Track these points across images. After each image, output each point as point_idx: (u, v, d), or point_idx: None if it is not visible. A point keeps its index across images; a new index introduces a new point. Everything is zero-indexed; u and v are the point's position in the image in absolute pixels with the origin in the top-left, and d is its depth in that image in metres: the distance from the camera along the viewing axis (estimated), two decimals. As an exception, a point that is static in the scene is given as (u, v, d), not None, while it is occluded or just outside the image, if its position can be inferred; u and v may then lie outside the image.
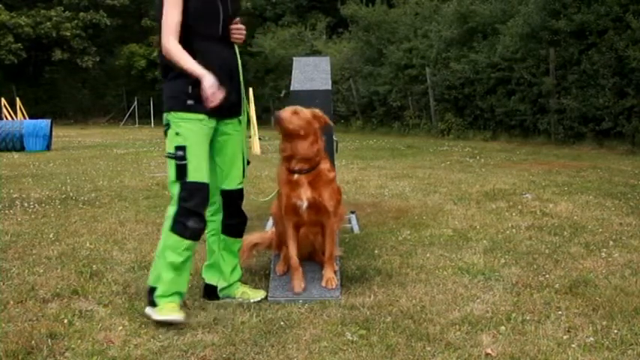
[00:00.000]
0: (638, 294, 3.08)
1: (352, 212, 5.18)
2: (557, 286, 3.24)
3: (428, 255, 3.91)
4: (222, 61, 3.07)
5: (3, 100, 20.05)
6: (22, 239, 4.54)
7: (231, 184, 3.16)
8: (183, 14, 2.96)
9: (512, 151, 11.34)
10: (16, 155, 12.40)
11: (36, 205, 6.01)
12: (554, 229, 4.57)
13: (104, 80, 35.79)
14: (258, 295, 3.20)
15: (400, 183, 7.20)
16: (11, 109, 20.09)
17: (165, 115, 3.02)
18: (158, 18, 2.99)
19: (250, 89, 14.15)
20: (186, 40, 2.95)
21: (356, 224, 4.83)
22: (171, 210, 2.93)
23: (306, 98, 4.59)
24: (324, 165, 3.21)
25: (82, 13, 32.76)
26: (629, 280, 3.33)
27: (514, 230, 4.59)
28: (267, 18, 28.93)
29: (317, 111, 3.24)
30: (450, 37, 16.09)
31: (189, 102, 2.95)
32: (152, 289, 2.92)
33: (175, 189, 2.93)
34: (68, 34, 32.09)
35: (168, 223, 2.93)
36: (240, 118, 3.19)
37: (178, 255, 2.89)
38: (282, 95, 21.54)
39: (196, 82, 2.90)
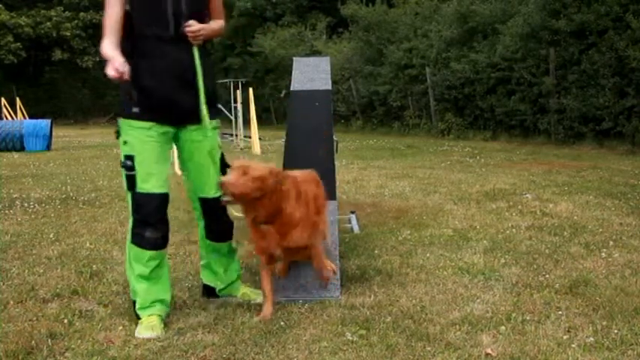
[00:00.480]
0: (638, 294, 3.08)
1: (352, 212, 5.18)
2: (557, 286, 3.24)
3: (428, 255, 3.91)
4: (171, 64, 2.80)
5: (3, 100, 20.05)
6: (22, 239, 4.54)
7: (206, 193, 3.01)
8: (128, 14, 2.79)
9: (512, 151, 11.34)
10: (16, 155, 12.40)
11: (36, 205, 6.01)
12: (554, 229, 4.57)
13: (104, 80, 35.66)
14: (258, 296, 3.15)
15: (400, 183, 7.20)
16: (11, 109, 20.09)
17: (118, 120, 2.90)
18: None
19: (250, 89, 14.20)
20: (132, 41, 2.77)
21: (356, 224, 4.84)
22: (130, 221, 2.87)
23: (306, 98, 4.60)
24: (289, 206, 2.84)
25: (82, 13, 32.78)
26: (629, 280, 3.33)
27: (514, 230, 4.59)
28: (267, 18, 28.91)
29: (272, 167, 2.84)
30: (450, 37, 16.09)
31: (135, 109, 2.80)
32: (134, 303, 2.90)
33: (129, 199, 2.86)
34: (68, 34, 32.12)
35: (128, 235, 2.89)
36: (209, 123, 2.92)
37: (144, 266, 2.85)
38: (282, 95, 21.53)
39: (141, 88, 2.77)
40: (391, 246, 4.17)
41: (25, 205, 6.01)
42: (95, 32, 33.97)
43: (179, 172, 8.81)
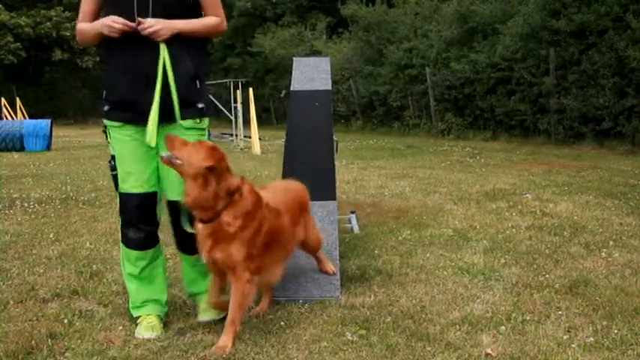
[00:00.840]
0: (638, 294, 3.08)
1: (352, 212, 5.19)
2: (557, 286, 3.24)
3: (428, 255, 3.91)
4: (134, 61, 2.67)
5: (3, 100, 20.05)
6: (22, 239, 4.54)
7: (175, 195, 2.73)
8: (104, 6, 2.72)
9: (512, 151, 11.34)
10: (16, 155, 12.40)
11: (36, 205, 6.01)
12: (554, 229, 4.57)
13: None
14: (206, 316, 2.85)
15: (400, 183, 7.20)
16: (11, 109, 20.09)
17: None
18: None
19: (250, 89, 14.21)
20: (104, 38, 2.69)
21: (356, 224, 4.84)
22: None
23: (306, 98, 4.61)
24: (226, 217, 2.52)
25: (82, 14, 32.79)
26: (629, 280, 3.33)
27: (514, 230, 4.59)
28: (267, 18, 28.92)
29: (209, 145, 2.54)
30: (450, 37, 16.09)
31: (106, 108, 2.77)
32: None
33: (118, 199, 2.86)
34: (68, 34, 32.09)
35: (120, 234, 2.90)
36: (187, 122, 2.75)
37: (133, 265, 2.85)
38: (282, 95, 21.53)
39: (109, 86, 2.76)
40: (391, 246, 4.17)
41: (25, 205, 6.01)
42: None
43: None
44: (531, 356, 2.42)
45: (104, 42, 2.71)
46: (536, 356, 2.41)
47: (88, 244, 4.32)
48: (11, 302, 3.10)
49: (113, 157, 2.80)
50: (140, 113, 2.66)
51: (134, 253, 2.82)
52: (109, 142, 2.80)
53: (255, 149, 12.29)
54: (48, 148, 13.81)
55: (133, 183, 2.77)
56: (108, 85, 2.76)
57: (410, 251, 4.02)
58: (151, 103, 2.64)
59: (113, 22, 2.59)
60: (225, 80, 17.40)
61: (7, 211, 5.70)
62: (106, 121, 2.79)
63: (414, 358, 2.42)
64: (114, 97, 2.75)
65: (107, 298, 3.18)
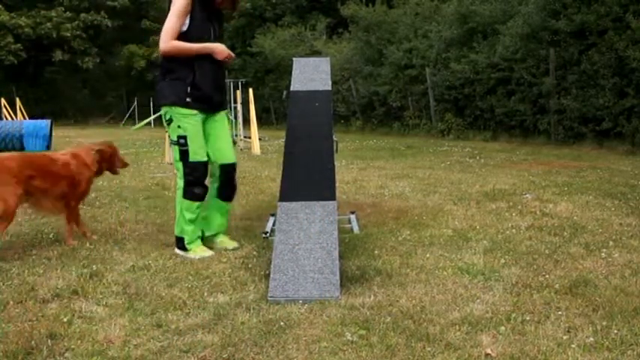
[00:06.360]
0: (638, 294, 3.08)
1: (352, 212, 5.18)
2: (557, 286, 3.24)
3: (428, 255, 3.91)
4: (214, 74, 3.98)
5: (3, 100, 20.05)
6: (22, 239, 4.54)
7: (227, 160, 4.13)
8: (186, 34, 3.83)
9: (512, 152, 11.35)
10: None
11: (36, 205, 6.00)
12: (554, 230, 4.57)
13: (104, 81, 35.81)
14: (232, 244, 4.15)
15: (400, 183, 7.20)
16: (11, 109, 20.09)
17: (164, 108, 3.93)
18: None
19: (250, 89, 14.21)
20: (200, 55, 3.86)
21: (356, 224, 4.83)
22: (180, 182, 3.97)
23: (306, 98, 4.61)
24: None
25: (82, 14, 32.78)
26: (629, 280, 3.33)
27: (514, 230, 4.59)
28: (267, 18, 28.93)
29: None
30: (450, 38, 16.10)
31: (188, 100, 3.87)
32: (179, 239, 4.01)
33: (180, 167, 3.94)
34: (69, 34, 32.10)
35: (179, 192, 3.98)
36: (225, 112, 4.29)
37: (192, 213, 3.98)
38: (283, 97, 21.55)
39: (193, 84, 3.86)
40: (391, 246, 4.17)
41: (25, 205, 5.99)
42: (96, 33, 34.03)
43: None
44: (531, 356, 2.42)
45: (198, 57, 3.88)
46: (536, 356, 2.41)
47: (88, 244, 4.32)
48: (11, 302, 3.10)
49: (183, 137, 3.88)
50: (210, 105, 4.01)
51: (196, 204, 3.98)
52: (179, 126, 3.87)
53: (255, 149, 12.30)
54: (48, 148, 13.79)
55: (202, 154, 3.95)
56: (194, 85, 3.86)
57: (410, 251, 4.02)
58: (218, 101, 4.06)
59: (228, 52, 3.98)
60: (225, 80, 17.43)
61: (7, 212, 5.69)
62: (181, 110, 3.87)
63: (414, 359, 2.42)
64: (198, 93, 3.88)
65: (107, 298, 3.18)
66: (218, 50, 3.92)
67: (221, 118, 4.16)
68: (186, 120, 3.88)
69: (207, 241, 4.18)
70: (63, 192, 4.35)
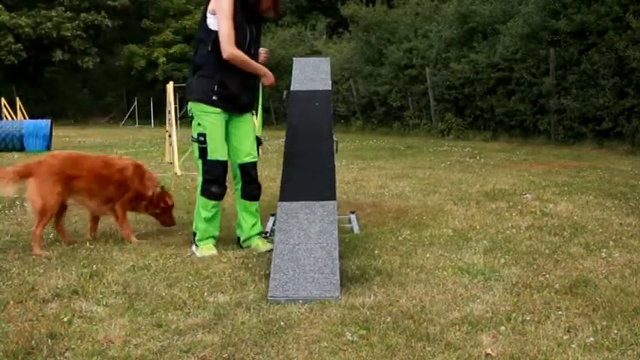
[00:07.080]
0: (638, 294, 3.08)
1: (352, 212, 5.18)
2: (557, 286, 3.24)
3: (428, 255, 3.91)
4: (243, 74, 3.99)
5: (3, 100, 20.03)
6: (22, 239, 4.54)
7: (244, 159, 4.13)
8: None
9: (512, 151, 11.34)
10: (16, 155, 12.38)
11: (36, 205, 6.00)
12: (554, 229, 4.57)
13: (104, 80, 35.81)
14: (266, 247, 4.05)
15: (400, 183, 7.20)
16: (11, 109, 20.07)
17: (190, 103, 4.02)
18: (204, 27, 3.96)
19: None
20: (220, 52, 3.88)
21: (356, 224, 4.83)
22: (199, 179, 4.06)
23: (306, 98, 4.61)
24: None
25: (83, 14, 32.75)
26: (629, 280, 3.33)
27: (514, 230, 4.59)
28: (267, 18, 28.92)
29: None
30: (450, 37, 16.10)
31: (214, 98, 3.95)
32: (194, 234, 4.08)
33: (200, 164, 4.01)
34: (69, 34, 32.08)
35: (198, 189, 4.06)
36: (253, 112, 4.30)
37: (207, 211, 4.02)
38: (284, 97, 21.57)
39: (221, 83, 3.93)
40: (391, 246, 4.17)
41: (25, 205, 5.99)
42: (96, 33, 34.01)
43: (179, 173, 8.81)
44: (531, 356, 2.42)
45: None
46: (536, 356, 2.41)
47: (88, 244, 4.32)
48: (11, 302, 3.10)
49: (202, 135, 3.93)
50: (236, 105, 4.05)
51: (212, 202, 4.02)
52: (199, 124, 3.94)
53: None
54: (48, 148, 13.78)
55: (222, 153, 4.00)
56: (221, 83, 3.92)
57: (410, 251, 4.02)
58: (245, 102, 4.13)
59: (273, 80, 4.17)
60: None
61: (7, 211, 5.70)
62: (206, 107, 3.94)
63: (414, 359, 2.42)
64: (225, 92, 3.95)
65: (107, 298, 3.18)
66: (268, 76, 4.12)
67: (247, 119, 4.17)
68: (207, 118, 3.94)
69: (245, 245, 4.17)
70: (110, 195, 4.35)
